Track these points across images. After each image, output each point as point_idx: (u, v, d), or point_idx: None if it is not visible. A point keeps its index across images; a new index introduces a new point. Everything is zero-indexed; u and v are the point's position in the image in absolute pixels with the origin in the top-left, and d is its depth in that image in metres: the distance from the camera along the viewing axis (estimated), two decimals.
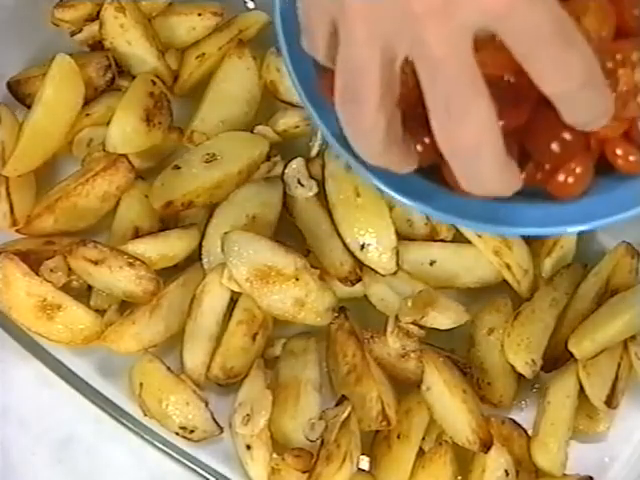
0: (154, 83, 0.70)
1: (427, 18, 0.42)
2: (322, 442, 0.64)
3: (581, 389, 0.67)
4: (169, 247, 0.68)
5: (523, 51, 0.44)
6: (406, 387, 0.68)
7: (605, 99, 0.47)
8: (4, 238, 0.69)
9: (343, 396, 0.66)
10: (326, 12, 0.46)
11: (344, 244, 0.69)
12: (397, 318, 0.67)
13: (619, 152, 0.56)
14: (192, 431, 0.65)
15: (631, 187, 0.57)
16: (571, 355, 0.67)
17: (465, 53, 0.43)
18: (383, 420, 0.65)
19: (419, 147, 0.54)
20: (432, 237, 0.70)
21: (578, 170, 0.56)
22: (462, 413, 0.65)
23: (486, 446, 0.65)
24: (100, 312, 0.68)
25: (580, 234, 0.70)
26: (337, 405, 0.66)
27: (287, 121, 0.72)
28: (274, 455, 0.65)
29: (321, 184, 0.70)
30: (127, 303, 0.68)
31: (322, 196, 0.70)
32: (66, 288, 0.67)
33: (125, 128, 0.68)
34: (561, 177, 0.56)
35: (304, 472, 0.64)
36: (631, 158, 0.56)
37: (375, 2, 0.44)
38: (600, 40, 0.51)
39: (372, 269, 0.68)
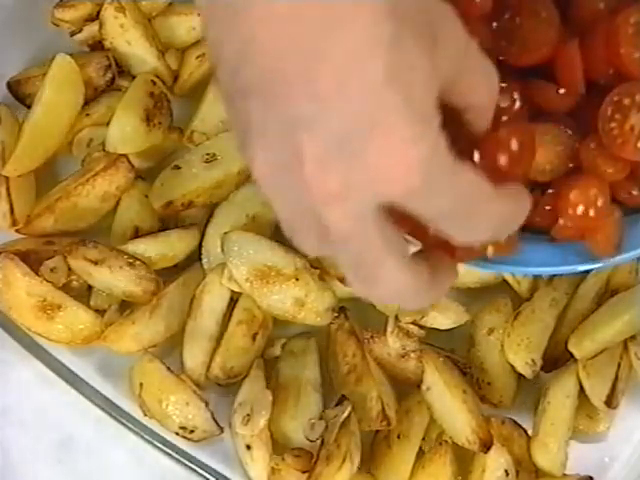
0: (154, 83, 0.70)
1: (328, 203, 0.41)
2: (322, 442, 0.64)
3: (581, 389, 0.67)
4: (169, 247, 0.68)
5: (427, 220, 0.44)
6: (406, 387, 0.68)
7: (518, 208, 0.47)
8: (4, 238, 0.69)
9: (343, 396, 0.66)
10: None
11: None
12: (397, 318, 0.67)
13: (635, 192, 0.56)
14: (192, 431, 0.65)
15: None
16: (571, 355, 0.67)
17: (371, 226, 0.42)
18: (383, 420, 0.65)
19: None
20: None
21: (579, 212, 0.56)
22: (462, 413, 0.65)
23: (486, 446, 0.65)
24: (100, 312, 0.68)
25: None
26: (337, 405, 0.66)
27: None
28: (274, 455, 0.65)
29: None
30: (127, 303, 0.68)
31: None
32: (66, 288, 0.67)
33: (125, 128, 0.68)
34: (561, 221, 0.56)
35: (304, 472, 0.64)
36: (634, 193, 0.56)
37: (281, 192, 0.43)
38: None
39: None
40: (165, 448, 0.65)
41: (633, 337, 0.67)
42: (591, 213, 0.54)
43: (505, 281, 0.69)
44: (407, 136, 0.40)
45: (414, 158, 0.40)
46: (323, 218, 0.42)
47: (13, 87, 0.71)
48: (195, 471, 0.65)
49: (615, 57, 0.52)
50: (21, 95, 0.71)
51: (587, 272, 0.69)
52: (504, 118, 0.53)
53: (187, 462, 0.65)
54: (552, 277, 0.69)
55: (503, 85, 0.51)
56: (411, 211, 0.42)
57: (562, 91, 0.54)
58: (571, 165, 0.56)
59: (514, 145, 0.47)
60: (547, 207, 0.56)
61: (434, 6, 0.43)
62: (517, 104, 0.54)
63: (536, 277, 0.69)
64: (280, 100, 0.40)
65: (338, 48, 0.39)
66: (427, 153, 0.41)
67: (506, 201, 0.45)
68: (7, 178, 0.68)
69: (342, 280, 0.69)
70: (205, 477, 0.65)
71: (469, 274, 0.70)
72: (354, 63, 0.39)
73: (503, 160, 0.46)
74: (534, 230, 0.57)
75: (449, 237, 0.45)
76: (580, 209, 0.55)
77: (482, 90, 0.46)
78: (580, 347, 0.66)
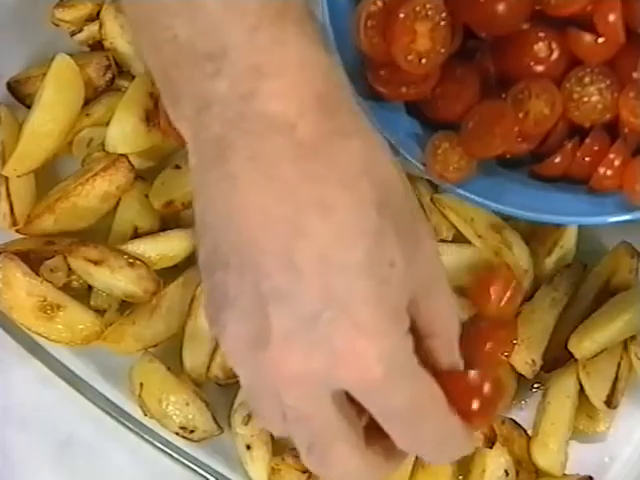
0: (154, 83, 0.70)
1: (287, 382, 0.42)
2: None
3: (581, 389, 0.67)
4: (169, 247, 0.68)
5: (375, 416, 0.44)
6: None
7: (462, 440, 0.47)
8: (4, 238, 0.69)
9: None
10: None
11: None
12: None
13: None
14: (192, 431, 0.65)
15: None
16: (571, 355, 0.66)
17: (327, 410, 0.43)
18: None
19: None
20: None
21: (617, 162, 0.56)
22: None
23: (490, 441, 0.65)
24: (100, 312, 0.68)
25: (583, 230, 0.70)
26: None
27: None
28: (274, 455, 0.65)
29: None
30: (127, 303, 0.68)
31: None
32: (66, 288, 0.67)
33: (125, 128, 0.68)
34: (601, 170, 0.56)
35: (304, 472, 0.64)
36: None
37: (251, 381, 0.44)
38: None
39: None
40: (165, 448, 0.65)
41: (633, 337, 0.67)
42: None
43: None
44: (376, 329, 0.40)
45: (378, 352, 0.40)
46: (282, 396, 0.42)
47: (13, 87, 0.71)
48: (195, 471, 0.65)
49: None
50: (21, 95, 0.71)
51: (585, 267, 0.70)
52: (541, 68, 0.53)
53: (187, 462, 0.65)
54: (552, 277, 0.69)
55: (541, 34, 0.52)
56: (364, 404, 0.43)
57: (601, 40, 0.54)
58: (609, 116, 0.55)
59: (486, 389, 0.46)
60: (586, 158, 0.56)
61: (418, 213, 0.44)
62: (555, 54, 0.53)
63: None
64: (255, 271, 0.40)
65: (322, 228, 0.40)
66: (392, 350, 0.41)
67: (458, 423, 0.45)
68: (7, 178, 0.68)
69: None
70: (205, 477, 0.65)
71: (469, 274, 0.70)
72: (336, 245, 0.40)
73: (475, 405, 0.45)
74: (572, 180, 0.57)
75: (392, 438, 0.44)
76: (618, 159, 0.55)
77: (445, 320, 0.46)
78: (580, 347, 0.66)
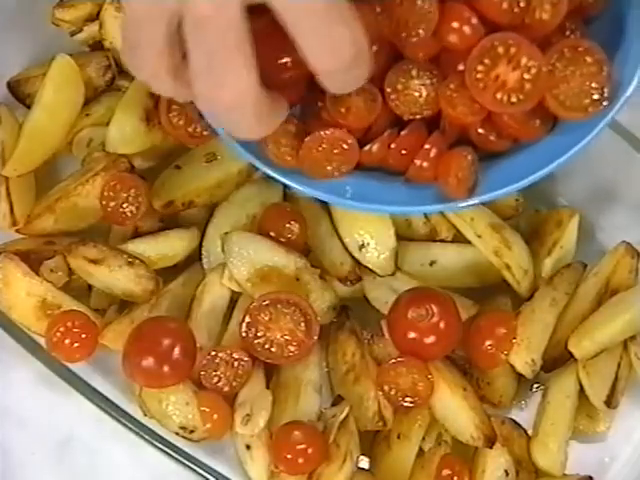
0: None
1: None
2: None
3: (581, 389, 0.67)
4: (169, 247, 0.68)
5: (293, 22, 0.46)
6: None
7: (365, 73, 0.50)
8: (4, 238, 0.69)
9: (339, 396, 0.66)
10: None
11: (343, 244, 0.69)
12: None
13: (481, 131, 0.57)
14: (192, 431, 0.65)
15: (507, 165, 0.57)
16: (571, 355, 0.66)
17: (232, 15, 0.45)
18: (379, 421, 0.66)
19: None
20: (432, 237, 0.71)
21: (432, 154, 0.56)
22: (464, 410, 0.65)
23: (491, 441, 0.65)
24: (100, 312, 0.68)
25: (583, 230, 0.71)
26: (334, 405, 0.66)
27: None
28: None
29: None
30: (127, 302, 0.68)
31: None
32: (66, 288, 0.67)
33: (125, 128, 0.68)
34: (417, 161, 0.57)
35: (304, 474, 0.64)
36: (491, 138, 0.57)
37: None
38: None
39: (370, 270, 0.68)
40: (165, 448, 0.65)
41: (633, 337, 0.67)
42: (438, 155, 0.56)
43: (505, 281, 0.69)
44: None
45: None
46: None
47: (13, 87, 0.71)
48: (195, 471, 0.65)
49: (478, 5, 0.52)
50: (21, 95, 0.71)
51: (585, 267, 0.70)
52: None
53: (187, 462, 0.65)
54: (552, 277, 0.69)
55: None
56: (277, 6, 0.45)
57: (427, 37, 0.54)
58: (430, 110, 0.56)
59: None
60: (402, 149, 0.57)
61: None
62: (374, 47, 0.54)
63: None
64: None
65: None
66: None
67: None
68: (7, 178, 0.68)
69: (342, 280, 0.69)
70: (205, 477, 0.65)
71: (469, 274, 0.70)
72: None
73: None
74: (390, 172, 0.58)
75: (309, 57, 0.47)
76: (434, 151, 0.56)
77: None
78: (580, 347, 0.66)
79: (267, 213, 0.69)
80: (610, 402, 0.67)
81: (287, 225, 0.68)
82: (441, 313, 0.64)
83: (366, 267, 0.68)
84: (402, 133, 0.57)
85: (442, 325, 0.64)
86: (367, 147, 0.58)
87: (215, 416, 0.64)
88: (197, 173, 0.69)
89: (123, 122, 0.68)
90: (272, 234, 0.68)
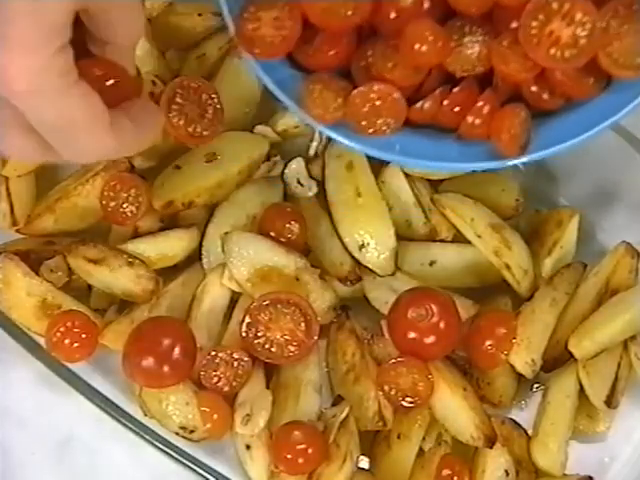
0: (154, 83, 0.70)
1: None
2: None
3: (581, 389, 0.67)
4: (169, 247, 0.68)
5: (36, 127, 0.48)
6: None
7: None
8: (4, 238, 0.69)
9: (339, 396, 0.66)
10: None
11: (343, 244, 0.69)
12: None
13: (534, 89, 0.57)
14: (192, 431, 0.65)
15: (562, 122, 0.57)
16: (571, 355, 0.66)
17: (55, 103, 0.46)
18: (379, 421, 0.66)
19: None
20: (432, 237, 0.71)
21: (485, 111, 0.56)
22: (464, 410, 0.65)
23: (491, 441, 0.65)
24: (100, 312, 0.68)
25: (583, 230, 0.71)
26: (334, 405, 0.66)
27: (287, 121, 0.72)
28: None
29: (321, 184, 0.70)
30: (127, 302, 0.68)
31: (322, 196, 0.70)
32: (66, 288, 0.67)
33: None
34: (470, 118, 0.57)
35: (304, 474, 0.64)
36: (544, 95, 0.57)
37: None
38: None
39: (370, 270, 0.68)
40: (165, 448, 0.65)
41: (633, 337, 0.67)
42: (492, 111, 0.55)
43: (505, 281, 0.69)
44: (27, 43, 0.44)
45: (25, 66, 0.44)
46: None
47: None
48: (195, 471, 0.65)
49: None
50: None
51: (585, 267, 0.70)
52: (413, 17, 0.54)
53: (187, 462, 0.65)
54: (552, 277, 0.69)
55: None
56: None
57: None
58: (482, 68, 0.56)
59: None
60: (454, 106, 0.57)
61: None
62: (426, 3, 0.54)
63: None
64: None
65: None
66: (39, 66, 0.44)
67: (118, 134, 0.49)
68: (7, 178, 0.68)
69: (342, 280, 0.69)
70: (205, 477, 0.65)
71: (469, 274, 0.70)
72: None
73: None
74: (441, 129, 0.58)
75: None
76: (486, 108, 0.56)
77: (125, 27, 0.50)
78: (580, 347, 0.66)
79: (267, 213, 0.69)
80: (610, 402, 0.67)
81: (287, 225, 0.68)
82: (441, 313, 0.64)
83: (366, 267, 0.68)
84: (454, 90, 0.57)
85: (442, 325, 0.64)
86: (418, 104, 0.58)
87: (215, 416, 0.64)
88: (197, 173, 0.69)
89: None
90: (272, 234, 0.68)
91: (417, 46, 0.54)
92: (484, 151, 0.57)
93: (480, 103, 0.56)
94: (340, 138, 0.58)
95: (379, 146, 0.58)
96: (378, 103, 0.56)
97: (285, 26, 0.55)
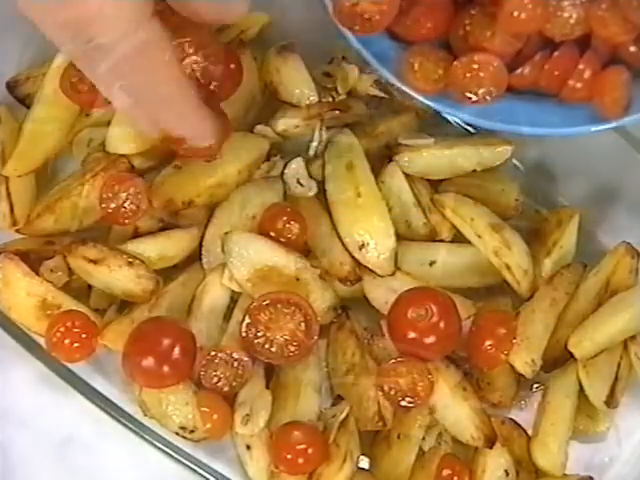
0: None
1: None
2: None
3: (581, 389, 0.67)
4: (169, 247, 0.68)
5: None
6: None
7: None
8: (4, 238, 0.69)
9: (339, 396, 0.66)
10: None
11: (343, 244, 0.69)
12: None
13: (633, 50, 0.57)
14: (192, 431, 0.65)
15: None
16: (571, 355, 0.66)
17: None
18: (379, 421, 0.66)
19: None
20: (432, 237, 0.71)
21: (587, 74, 0.57)
22: (464, 410, 0.65)
23: (491, 441, 0.65)
24: (100, 312, 0.68)
25: (583, 230, 0.71)
26: (334, 405, 0.66)
27: (287, 121, 0.72)
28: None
29: (321, 184, 0.70)
30: (127, 302, 0.68)
31: (322, 196, 0.70)
32: (66, 288, 0.67)
33: (125, 128, 0.68)
34: (571, 82, 0.57)
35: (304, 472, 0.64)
36: None
37: None
38: None
39: (370, 270, 0.68)
40: (165, 448, 0.65)
41: (633, 337, 0.67)
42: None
43: (505, 281, 0.69)
44: None
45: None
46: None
47: (13, 87, 0.71)
48: (195, 471, 0.65)
49: None
50: (21, 95, 0.71)
51: (585, 267, 0.70)
52: None
53: (187, 462, 0.65)
54: (552, 277, 0.69)
55: None
56: None
57: None
58: (581, 31, 0.56)
59: None
60: (555, 70, 0.57)
61: None
62: None
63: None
64: None
65: None
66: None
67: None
68: (7, 178, 0.68)
69: (342, 280, 0.69)
70: (205, 477, 0.65)
71: (469, 274, 0.70)
72: None
73: None
74: (542, 93, 0.58)
75: None
76: (588, 71, 0.56)
77: None
78: (580, 347, 0.66)
79: (267, 213, 0.69)
80: (610, 402, 0.67)
81: (287, 225, 0.68)
82: (441, 313, 0.64)
83: (366, 267, 0.68)
84: (555, 54, 0.57)
85: (442, 325, 0.64)
86: (518, 70, 0.58)
87: (215, 416, 0.64)
88: (197, 173, 0.69)
89: (123, 122, 0.68)
90: (272, 234, 0.68)
91: (516, 13, 0.54)
92: (586, 114, 0.57)
93: (581, 66, 0.57)
94: (442, 108, 0.58)
95: (479, 114, 0.58)
96: (480, 73, 0.57)
97: (383, 0, 0.55)
